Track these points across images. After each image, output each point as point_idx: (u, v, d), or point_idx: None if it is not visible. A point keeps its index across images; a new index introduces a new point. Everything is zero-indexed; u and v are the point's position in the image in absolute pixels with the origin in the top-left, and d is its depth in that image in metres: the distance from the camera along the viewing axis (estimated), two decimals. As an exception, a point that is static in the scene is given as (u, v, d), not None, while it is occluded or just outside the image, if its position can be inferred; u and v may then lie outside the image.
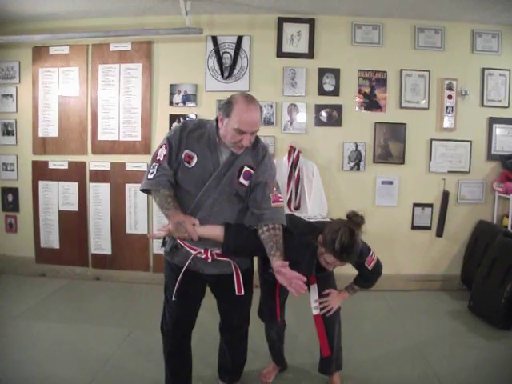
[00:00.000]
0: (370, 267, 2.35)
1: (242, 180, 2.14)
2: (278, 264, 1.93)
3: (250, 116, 2.02)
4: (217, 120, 2.13)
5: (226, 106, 2.04)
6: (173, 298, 2.21)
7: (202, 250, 2.15)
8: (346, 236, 2.01)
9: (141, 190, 2.18)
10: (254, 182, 2.16)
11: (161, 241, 2.32)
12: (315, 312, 2.44)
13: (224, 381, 2.61)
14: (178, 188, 2.16)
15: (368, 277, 2.44)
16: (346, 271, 2.55)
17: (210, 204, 2.12)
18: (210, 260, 2.15)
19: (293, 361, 2.89)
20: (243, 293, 2.20)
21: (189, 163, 2.11)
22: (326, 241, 2.07)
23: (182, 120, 4.28)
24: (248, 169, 2.16)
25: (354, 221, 2.12)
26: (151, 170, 2.11)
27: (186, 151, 2.11)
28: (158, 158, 2.13)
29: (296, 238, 2.14)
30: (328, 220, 2.29)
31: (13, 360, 2.89)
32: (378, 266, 2.41)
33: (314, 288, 2.43)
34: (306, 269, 2.15)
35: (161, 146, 2.14)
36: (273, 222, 2.06)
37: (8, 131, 4.57)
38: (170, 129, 4.24)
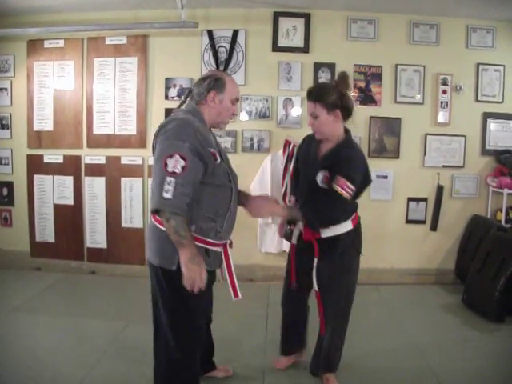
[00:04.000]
0: (337, 188, 2.17)
1: None
2: None
3: (237, 85, 2.18)
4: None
5: (219, 83, 2.07)
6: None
7: (229, 241, 2.19)
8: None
9: (154, 211, 1.89)
10: None
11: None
12: (315, 287, 2.44)
13: (209, 370, 2.61)
14: (217, 188, 2.03)
15: (324, 203, 2.26)
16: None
17: (237, 194, 2.18)
18: (232, 247, 2.22)
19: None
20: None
21: (216, 159, 1.99)
22: None
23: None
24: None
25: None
26: (166, 187, 1.80)
27: (209, 149, 1.97)
28: (170, 170, 1.82)
29: None
30: None
31: (7, 354, 2.89)
32: (342, 203, 2.21)
33: (315, 263, 2.40)
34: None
35: (170, 156, 1.84)
36: None
37: (3, 125, 4.55)
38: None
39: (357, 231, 2.44)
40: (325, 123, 2.27)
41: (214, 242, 2.05)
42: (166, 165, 1.82)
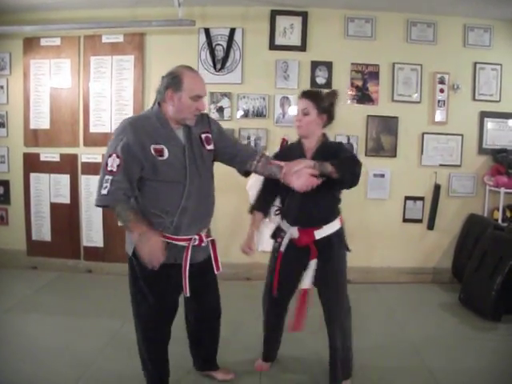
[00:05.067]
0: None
1: (208, 147, 2.23)
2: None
3: (201, 80, 2.12)
4: (159, 104, 2.14)
5: (175, 81, 2.05)
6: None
7: (197, 237, 2.19)
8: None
9: (96, 206, 2.06)
10: (219, 141, 2.29)
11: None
12: (305, 286, 2.44)
13: (211, 369, 2.64)
14: (163, 184, 2.08)
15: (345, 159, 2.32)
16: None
17: (199, 187, 2.14)
18: (204, 243, 2.24)
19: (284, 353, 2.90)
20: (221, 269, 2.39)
21: (162, 156, 2.04)
22: None
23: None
24: (206, 134, 2.25)
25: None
26: (104, 185, 1.96)
27: (153, 146, 2.03)
28: (109, 168, 1.97)
29: None
30: None
31: (3, 353, 2.88)
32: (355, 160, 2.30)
33: (312, 265, 2.42)
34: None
35: (110, 156, 1.99)
36: (256, 153, 2.32)
37: (-1, 123, 4.55)
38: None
39: (343, 229, 2.53)
40: (312, 122, 2.41)
41: (169, 235, 2.11)
42: (107, 164, 1.99)
